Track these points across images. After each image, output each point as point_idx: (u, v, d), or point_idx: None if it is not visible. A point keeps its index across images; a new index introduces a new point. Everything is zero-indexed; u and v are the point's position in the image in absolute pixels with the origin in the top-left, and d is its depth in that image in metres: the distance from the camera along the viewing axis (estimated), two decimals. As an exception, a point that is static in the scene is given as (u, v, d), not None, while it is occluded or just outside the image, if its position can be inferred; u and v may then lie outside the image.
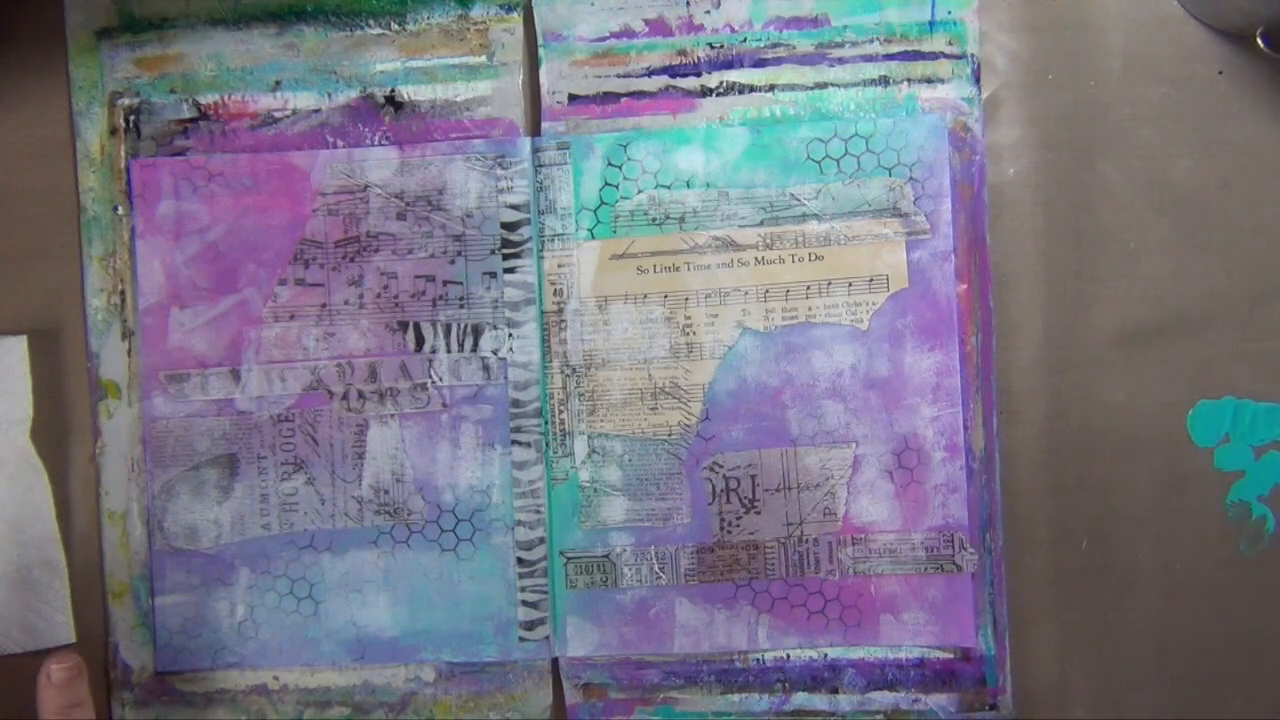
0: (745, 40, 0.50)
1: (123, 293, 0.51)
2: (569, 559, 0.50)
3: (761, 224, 0.50)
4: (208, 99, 0.51)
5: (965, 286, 0.49)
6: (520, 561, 0.50)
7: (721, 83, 0.50)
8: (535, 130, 0.51)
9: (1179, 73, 0.50)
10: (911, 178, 0.49)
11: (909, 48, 0.49)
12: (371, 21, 0.51)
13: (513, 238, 0.50)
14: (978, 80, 0.49)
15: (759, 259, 0.50)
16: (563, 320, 0.50)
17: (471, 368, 0.50)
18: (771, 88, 0.50)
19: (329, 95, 0.51)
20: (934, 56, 0.49)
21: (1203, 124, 0.49)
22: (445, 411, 0.50)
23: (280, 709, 0.51)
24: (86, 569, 0.51)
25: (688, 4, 0.50)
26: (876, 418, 0.49)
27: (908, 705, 0.49)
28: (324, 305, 0.51)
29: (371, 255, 0.50)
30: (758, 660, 0.50)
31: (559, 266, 0.50)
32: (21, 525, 0.50)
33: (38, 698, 0.46)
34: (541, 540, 0.50)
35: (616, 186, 0.50)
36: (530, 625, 0.50)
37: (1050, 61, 0.50)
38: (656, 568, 0.50)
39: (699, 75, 0.50)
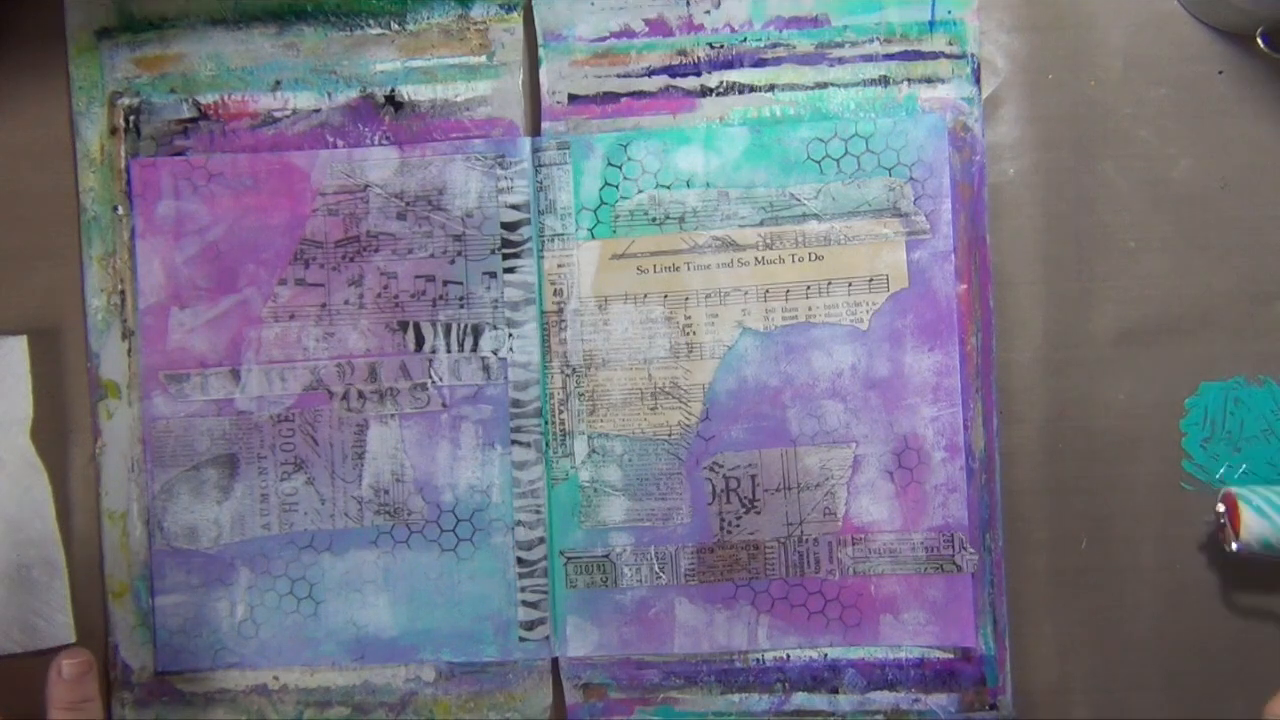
0: (745, 40, 0.50)
1: (123, 293, 0.51)
2: (569, 559, 0.50)
3: (761, 224, 0.50)
4: (208, 99, 0.51)
5: (965, 286, 0.49)
6: (520, 561, 0.50)
7: (721, 83, 0.50)
8: (535, 130, 0.51)
9: (1179, 73, 0.50)
10: (911, 178, 0.49)
11: (909, 48, 0.49)
12: (371, 21, 0.51)
13: (513, 238, 0.50)
14: (978, 80, 0.49)
15: (759, 259, 0.50)
16: (563, 320, 0.50)
17: (471, 368, 0.50)
18: (771, 88, 0.50)
19: (329, 95, 0.51)
20: (934, 56, 0.49)
21: (1203, 124, 0.49)
22: (445, 411, 0.50)
23: (280, 709, 0.51)
24: (86, 569, 0.51)
25: (688, 4, 0.50)
26: (876, 418, 0.49)
27: (908, 705, 0.49)
28: (324, 305, 0.51)
29: (371, 255, 0.50)
30: (758, 660, 0.50)
31: (559, 266, 0.50)
32: (21, 525, 0.50)
33: (47, 692, 0.47)
34: (541, 540, 0.50)
35: (616, 186, 0.50)
36: (530, 625, 0.50)
37: (1050, 61, 0.50)
38: (656, 568, 0.50)
39: (699, 75, 0.50)
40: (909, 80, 0.49)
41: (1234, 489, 0.47)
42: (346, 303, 0.51)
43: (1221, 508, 0.47)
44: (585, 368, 0.50)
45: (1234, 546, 0.47)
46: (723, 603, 0.50)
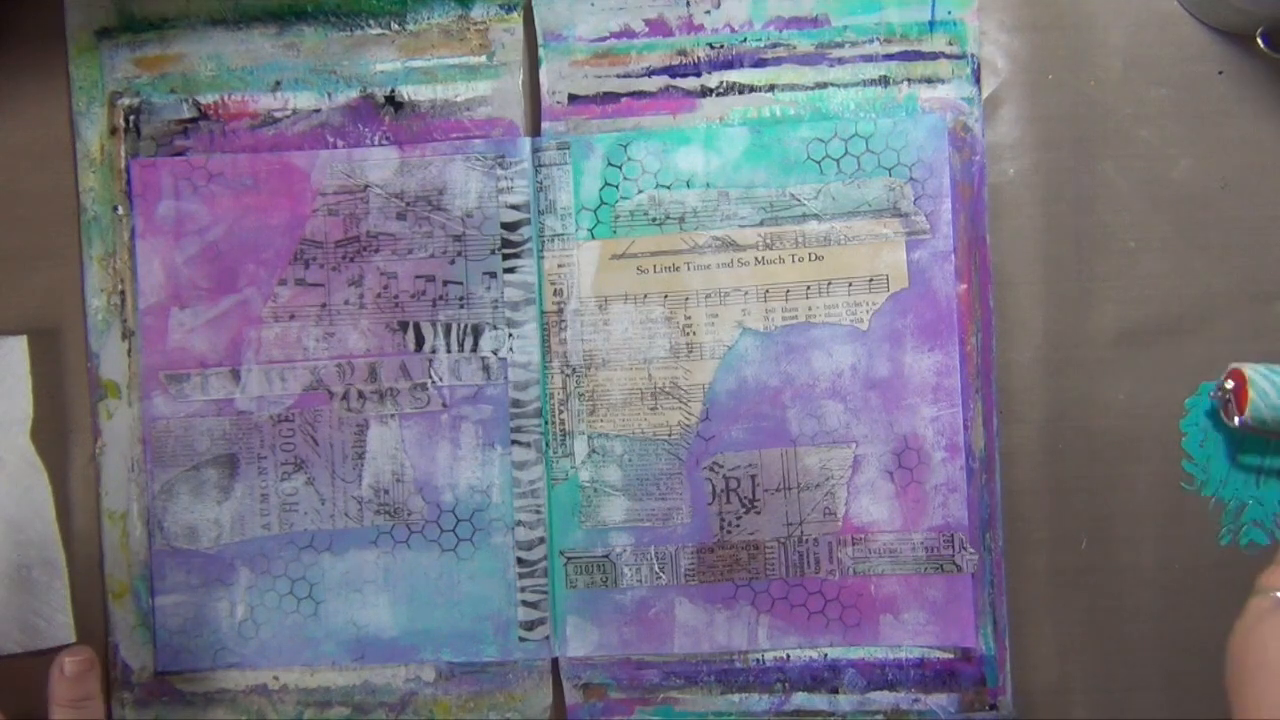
0: (745, 40, 0.50)
1: (123, 293, 0.51)
2: (569, 559, 0.50)
3: (761, 224, 0.50)
4: (208, 99, 0.51)
5: (965, 286, 0.49)
6: (520, 561, 0.50)
7: (721, 83, 0.50)
8: (535, 130, 0.51)
9: (1179, 73, 0.50)
10: (911, 178, 0.49)
11: (909, 48, 0.49)
12: (371, 21, 0.51)
13: (513, 238, 0.50)
14: (978, 80, 0.49)
15: (759, 259, 0.50)
16: (563, 320, 0.50)
17: (471, 368, 0.50)
18: (771, 88, 0.50)
19: (329, 95, 0.51)
20: (934, 56, 0.49)
21: (1203, 124, 0.49)
22: (445, 411, 0.50)
23: (280, 709, 0.51)
24: (86, 569, 0.51)
25: (688, 4, 0.50)
26: (876, 418, 0.49)
27: (908, 705, 0.49)
28: (324, 305, 0.51)
29: (371, 255, 0.50)
30: (758, 660, 0.50)
31: (559, 266, 0.50)
32: (21, 525, 0.50)
33: (49, 689, 0.47)
34: (541, 540, 0.50)
35: (616, 186, 0.50)
36: (530, 625, 0.50)
37: (1050, 61, 0.50)
38: (656, 568, 0.50)
39: (699, 75, 0.50)
40: (909, 80, 0.49)
41: (1242, 365, 0.47)
42: (346, 303, 0.51)
43: (1230, 384, 0.47)
44: (585, 368, 0.50)
45: (1237, 421, 0.47)
46: (723, 603, 0.50)
